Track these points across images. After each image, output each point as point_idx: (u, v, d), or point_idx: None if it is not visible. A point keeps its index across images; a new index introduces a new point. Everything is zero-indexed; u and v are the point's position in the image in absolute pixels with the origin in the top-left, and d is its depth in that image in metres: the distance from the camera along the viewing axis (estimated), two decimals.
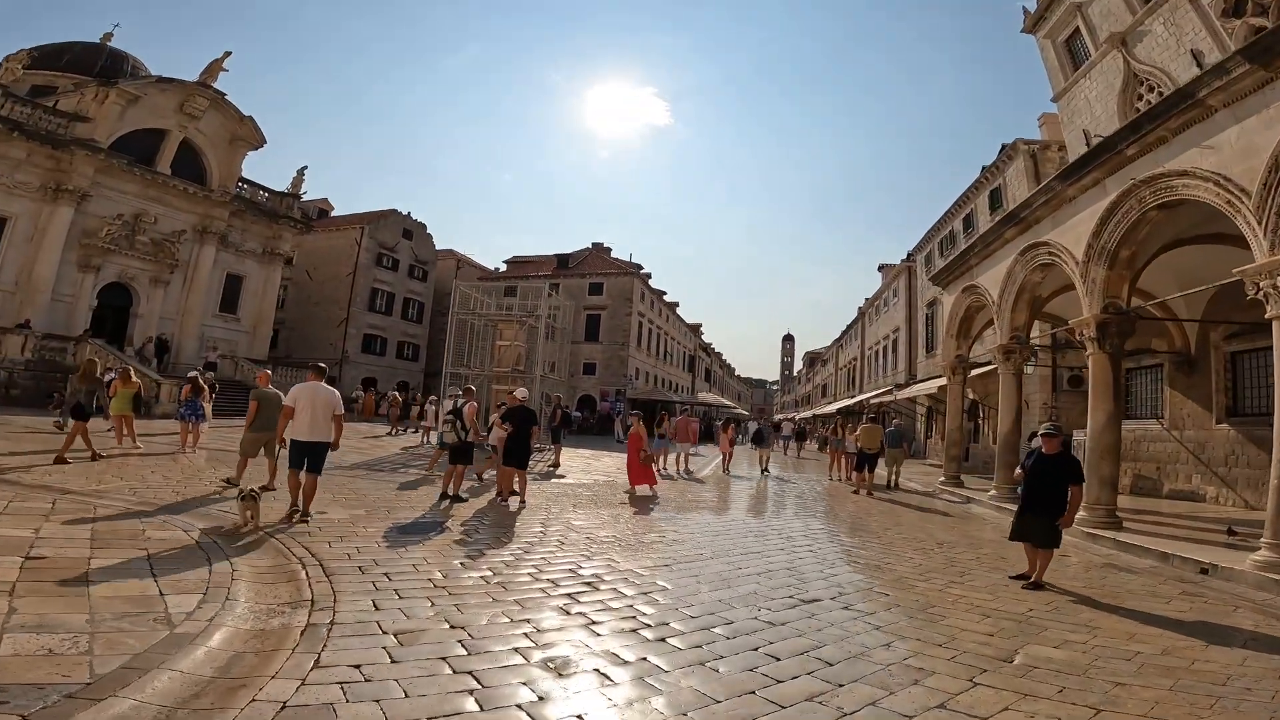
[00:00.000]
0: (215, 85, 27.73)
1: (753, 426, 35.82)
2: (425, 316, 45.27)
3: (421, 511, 8.04)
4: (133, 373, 12.66)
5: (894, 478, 15.80)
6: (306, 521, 6.75)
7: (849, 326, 57.08)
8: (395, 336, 43.53)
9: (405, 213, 43.47)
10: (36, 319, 22.71)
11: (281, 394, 8.52)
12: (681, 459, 17.21)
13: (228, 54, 27.72)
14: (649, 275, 50.80)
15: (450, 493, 8.94)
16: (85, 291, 25.13)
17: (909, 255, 39.37)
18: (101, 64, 27.23)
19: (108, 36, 30.22)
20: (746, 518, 9.90)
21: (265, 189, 32.30)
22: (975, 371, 16.41)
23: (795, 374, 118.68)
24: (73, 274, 24.60)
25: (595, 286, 45.17)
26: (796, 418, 64.94)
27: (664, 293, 54.65)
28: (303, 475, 6.94)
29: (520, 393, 9.38)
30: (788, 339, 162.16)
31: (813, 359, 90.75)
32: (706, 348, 76.96)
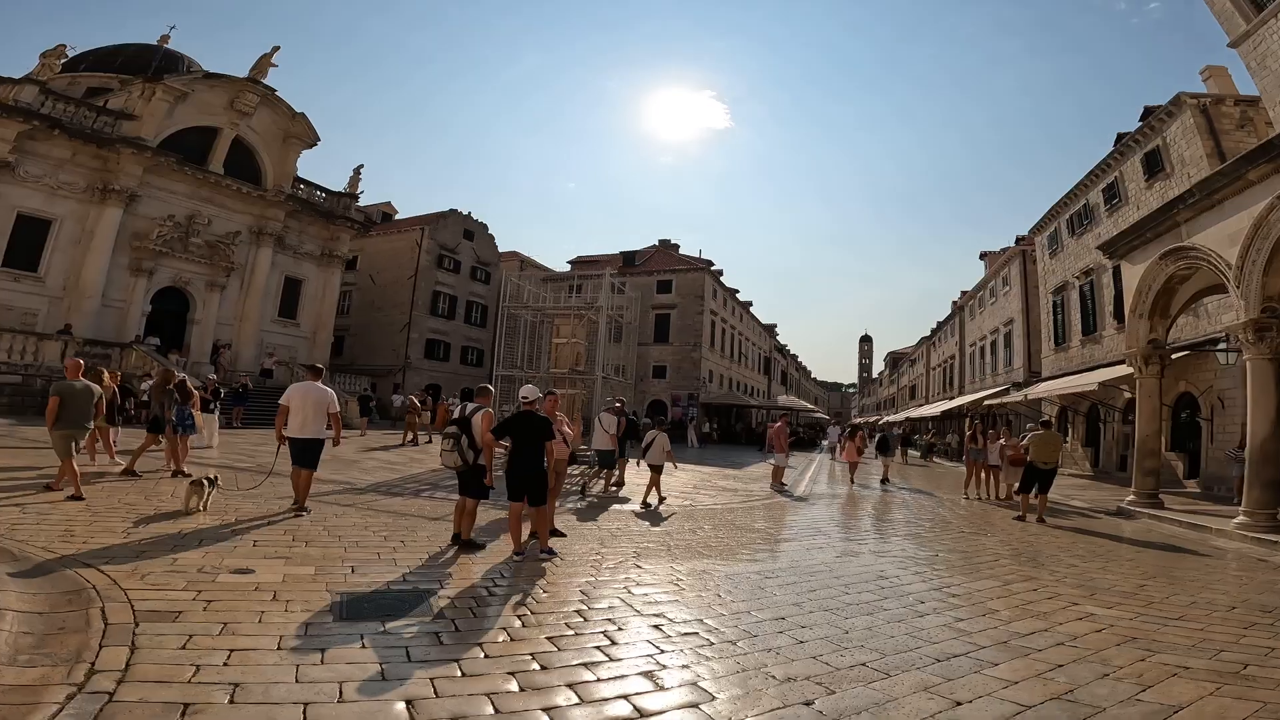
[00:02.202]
0: (265, 81, 26.61)
1: (834, 432, 32.11)
2: (489, 320, 43.60)
3: (407, 568, 5.29)
4: (106, 374, 10.65)
5: None
6: (304, 514, 7.06)
7: (942, 323, 52.04)
8: (458, 341, 42.02)
9: (466, 213, 41.92)
10: (85, 325, 21.80)
11: (94, 387, 7.82)
12: (780, 472, 14.14)
13: (276, 49, 26.58)
14: (720, 272, 47.51)
15: (463, 536, 6.21)
16: (137, 296, 24.24)
17: (1020, 240, 34.74)
18: (156, 65, 26.56)
19: (164, 39, 29.76)
20: (898, 570, 6.63)
21: (321, 189, 31.18)
22: (1175, 355, 12.48)
23: (876, 376, 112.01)
24: (124, 278, 23.73)
25: (664, 284, 42.31)
26: (882, 420, 59.91)
27: (737, 291, 51.24)
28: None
29: (527, 390, 6.39)
30: (865, 340, 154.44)
31: (896, 359, 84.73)
32: (782, 349, 72.81)
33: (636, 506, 9.91)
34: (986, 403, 28.58)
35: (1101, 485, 17.44)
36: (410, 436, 19.23)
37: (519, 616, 4.30)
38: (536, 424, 6.05)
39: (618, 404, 13.44)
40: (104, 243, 22.34)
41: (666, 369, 40.68)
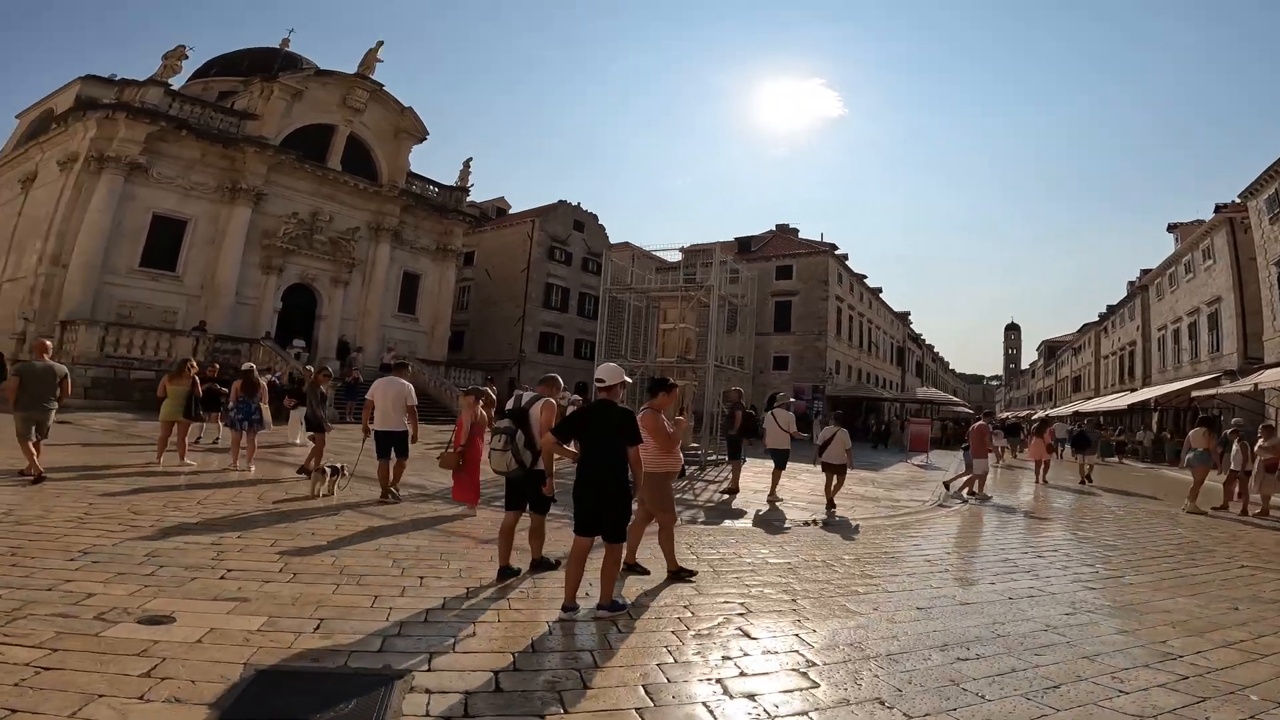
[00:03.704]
0: (373, 77, 26.89)
1: (992, 426, 27.83)
2: (601, 313, 42.69)
3: (398, 624, 3.61)
4: (191, 366, 9.93)
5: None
6: (397, 500, 7.42)
7: (1115, 306, 45.06)
8: (572, 334, 41.43)
9: (575, 204, 41.17)
10: (221, 322, 22.73)
11: (58, 367, 7.39)
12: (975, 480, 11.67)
13: (380, 43, 26.83)
14: (845, 256, 43.65)
15: (534, 556, 4.86)
16: (269, 293, 25.12)
17: (1221, 207, 28.67)
18: (277, 66, 27.52)
19: (285, 42, 31.13)
20: (1184, 637, 4.07)
21: (434, 183, 31.40)
22: None
23: (1027, 367, 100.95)
24: (256, 276, 24.63)
25: (783, 270, 39.32)
26: (1039, 414, 52.96)
27: (864, 276, 47.00)
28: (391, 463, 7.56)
29: (603, 371, 4.47)
30: (1012, 328, 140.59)
31: (1053, 349, 75.49)
32: (916, 338, 66.85)
33: (749, 524, 7.83)
34: (1193, 394, 23.53)
35: None
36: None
37: None
38: (615, 420, 4.16)
39: (791, 400, 12.15)
40: (235, 241, 23.22)
41: (788, 360, 37.75)
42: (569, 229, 40.19)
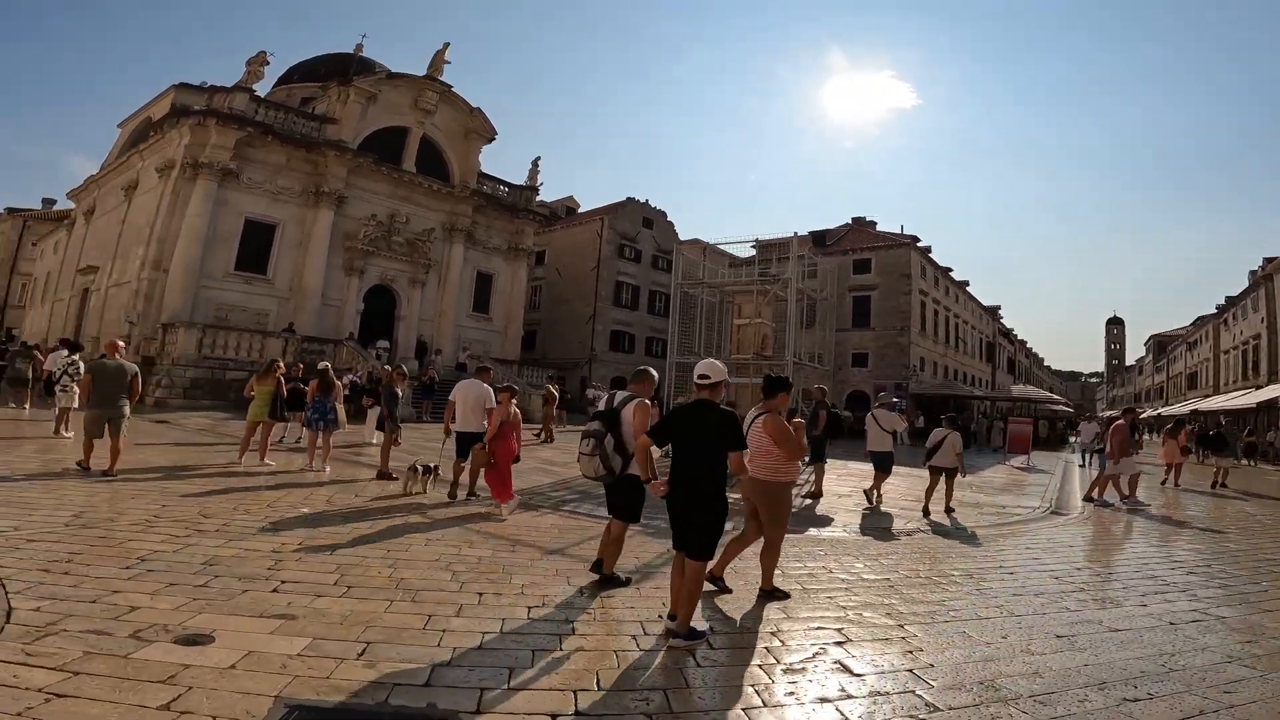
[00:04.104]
0: (441, 79, 27.34)
1: (1088, 430, 25.56)
2: (672, 309, 42.17)
3: (453, 652, 3.22)
4: (278, 366, 10.03)
5: None
6: (475, 498, 7.52)
7: (1235, 298, 40.92)
8: (643, 332, 41.09)
9: (643, 200, 40.80)
10: (308, 323, 23.58)
11: (129, 366, 7.55)
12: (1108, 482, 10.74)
13: (446, 45, 27.27)
14: (928, 248, 41.41)
15: (605, 571, 4.51)
16: (352, 295, 25.90)
17: None
18: (352, 71, 28.39)
19: (359, 47, 32.20)
20: None
21: (504, 183, 31.70)
22: None
23: (1135, 362, 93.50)
24: (340, 278, 25.45)
25: (861, 264, 37.69)
26: (1146, 413, 48.76)
27: (950, 269, 44.46)
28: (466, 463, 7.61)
29: (705, 367, 3.92)
30: (1114, 322, 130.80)
31: (1163, 343, 69.57)
32: (1008, 333, 62.87)
33: (841, 532, 7.14)
34: None
35: None
36: (547, 432, 16.82)
37: None
38: (714, 420, 3.68)
39: (894, 399, 11.50)
40: (320, 244, 24.04)
41: (868, 356, 36.13)
42: (638, 226, 39.89)
